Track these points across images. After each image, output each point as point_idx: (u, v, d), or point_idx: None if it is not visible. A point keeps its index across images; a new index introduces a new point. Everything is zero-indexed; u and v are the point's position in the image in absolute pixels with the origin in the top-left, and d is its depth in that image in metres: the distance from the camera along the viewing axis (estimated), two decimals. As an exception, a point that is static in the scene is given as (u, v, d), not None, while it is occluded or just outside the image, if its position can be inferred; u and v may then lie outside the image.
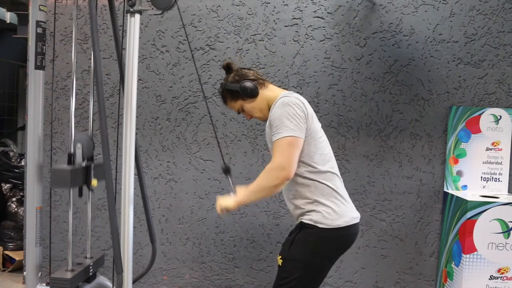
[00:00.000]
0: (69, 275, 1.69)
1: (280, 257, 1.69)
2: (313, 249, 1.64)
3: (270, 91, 1.81)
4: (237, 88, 1.78)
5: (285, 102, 1.65)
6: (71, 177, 1.63)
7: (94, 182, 1.76)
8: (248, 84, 1.77)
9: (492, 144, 2.64)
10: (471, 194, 2.55)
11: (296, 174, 1.67)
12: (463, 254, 2.38)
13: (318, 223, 1.63)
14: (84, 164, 1.73)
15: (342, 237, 1.67)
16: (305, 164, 1.66)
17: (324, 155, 1.71)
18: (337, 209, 1.65)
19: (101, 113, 1.54)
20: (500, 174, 2.64)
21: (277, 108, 1.65)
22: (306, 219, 1.66)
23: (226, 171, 1.97)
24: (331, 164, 1.73)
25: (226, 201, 1.70)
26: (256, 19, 2.75)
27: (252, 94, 1.77)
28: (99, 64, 1.56)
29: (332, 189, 1.68)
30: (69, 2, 2.88)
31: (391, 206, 2.74)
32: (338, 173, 1.75)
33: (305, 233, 1.66)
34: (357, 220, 1.72)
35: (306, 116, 1.66)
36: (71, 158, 1.71)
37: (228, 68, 1.87)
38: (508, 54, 2.65)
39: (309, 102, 1.85)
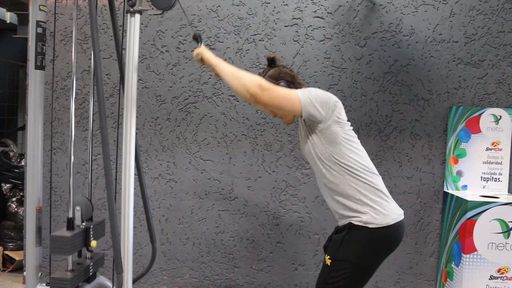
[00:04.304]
0: (69, 275, 1.69)
1: (328, 257, 1.69)
2: (363, 250, 1.65)
3: None
4: None
5: (323, 91, 1.70)
6: (71, 244, 1.66)
7: (93, 243, 1.79)
8: (286, 85, 1.77)
9: (492, 144, 2.64)
10: (471, 194, 2.55)
11: (339, 176, 1.67)
12: (463, 254, 2.38)
13: (368, 224, 1.63)
14: (83, 225, 1.76)
15: (392, 236, 1.68)
16: (346, 165, 1.67)
17: (357, 152, 1.71)
18: (383, 208, 1.66)
19: (101, 113, 1.54)
20: (500, 174, 2.64)
21: (312, 88, 1.70)
22: (355, 221, 1.65)
23: (197, 38, 1.85)
24: (369, 164, 1.73)
25: (207, 52, 1.71)
26: (256, 19, 2.75)
27: None
28: (99, 64, 1.56)
29: (375, 188, 1.68)
30: (69, 2, 2.88)
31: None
32: (377, 172, 1.76)
33: (354, 234, 1.65)
34: (402, 216, 1.73)
35: (328, 114, 1.66)
36: (70, 223, 1.72)
37: (272, 61, 1.87)
38: (508, 54, 2.65)
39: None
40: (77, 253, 1.80)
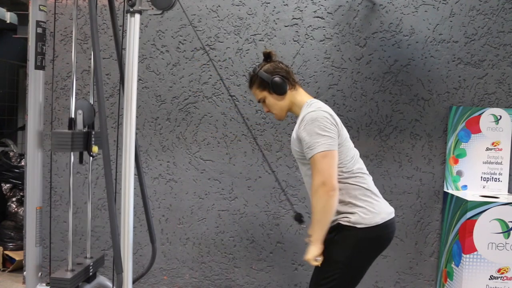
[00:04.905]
0: (69, 275, 1.69)
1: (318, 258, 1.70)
2: (353, 250, 1.65)
3: (298, 94, 1.82)
4: (269, 80, 1.78)
5: (313, 118, 1.65)
6: (72, 141, 1.64)
7: (94, 148, 1.76)
8: (280, 80, 1.77)
9: (492, 144, 2.64)
10: (471, 194, 2.55)
11: None
12: (463, 254, 2.38)
13: (357, 224, 1.64)
14: (84, 130, 1.74)
15: (381, 235, 1.69)
16: (339, 172, 1.67)
17: (351, 157, 1.72)
18: (372, 207, 1.67)
19: (101, 113, 1.54)
20: (500, 174, 2.64)
21: (307, 125, 1.65)
22: (344, 221, 1.66)
23: (299, 219, 1.96)
24: (359, 165, 1.75)
25: (311, 252, 1.65)
26: (256, 19, 2.75)
27: (280, 91, 1.78)
28: (99, 64, 1.56)
29: (364, 188, 1.69)
30: (69, 2, 2.88)
31: (391, 206, 2.73)
32: (367, 172, 1.77)
33: (343, 234, 1.66)
34: (393, 215, 1.74)
35: (336, 126, 1.67)
36: (72, 123, 1.71)
37: (268, 56, 1.87)
38: (508, 54, 2.65)
39: (309, 102, 1.84)
40: (79, 157, 1.77)
